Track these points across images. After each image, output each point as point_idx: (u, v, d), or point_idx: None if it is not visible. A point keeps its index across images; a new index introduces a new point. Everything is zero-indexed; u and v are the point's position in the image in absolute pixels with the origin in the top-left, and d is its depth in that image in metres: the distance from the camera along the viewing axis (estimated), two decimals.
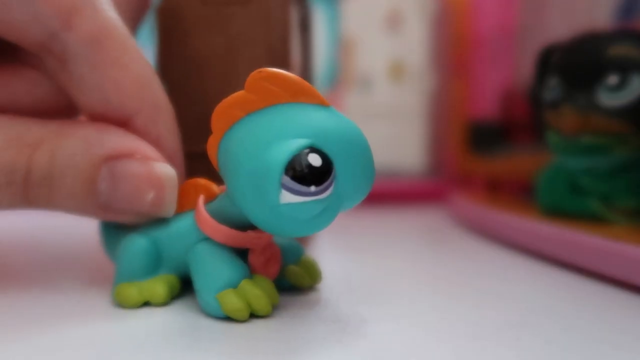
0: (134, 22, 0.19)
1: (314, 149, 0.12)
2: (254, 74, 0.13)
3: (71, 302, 0.15)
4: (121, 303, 0.15)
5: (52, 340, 0.12)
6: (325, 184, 0.12)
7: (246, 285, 0.14)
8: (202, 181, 0.16)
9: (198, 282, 0.14)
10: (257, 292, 0.14)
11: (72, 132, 0.15)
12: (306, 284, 0.16)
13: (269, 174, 0.12)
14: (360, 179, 0.13)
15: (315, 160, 0.12)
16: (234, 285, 0.14)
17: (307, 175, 0.12)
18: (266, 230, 0.13)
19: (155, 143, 0.16)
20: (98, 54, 0.15)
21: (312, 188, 0.12)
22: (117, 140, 0.15)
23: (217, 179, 0.15)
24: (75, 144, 0.15)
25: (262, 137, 0.12)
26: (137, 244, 0.15)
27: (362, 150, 0.13)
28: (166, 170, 0.16)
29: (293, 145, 0.12)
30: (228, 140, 0.13)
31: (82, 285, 0.17)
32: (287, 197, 0.12)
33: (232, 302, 0.13)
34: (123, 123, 0.16)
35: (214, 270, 0.14)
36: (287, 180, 0.12)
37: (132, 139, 0.16)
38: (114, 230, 0.17)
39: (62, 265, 0.20)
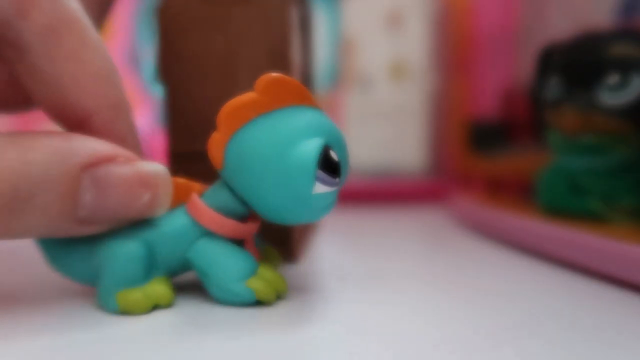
0: (100, 12, 0.18)
1: (328, 146, 0.14)
2: (265, 77, 0.14)
3: (73, 302, 0.15)
4: (128, 310, 0.14)
5: (52, 342, 0.12)
6: (342, 175, 0.14)
7: (263, 271, 0.15)
8: (182, 180, 0.16)
9: (216, 276, 0.15)
10: (275, 275, 0.15)
11: (34, 145, 0.13)
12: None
13: (305, 168, 0.13)
14: (348, 168, 0.15)
15: (334, 155, 0.14)
16: (255, 273, 0.15)
17: (333, 168, 0.14)
18: (288, 219, 0.14)
19: (117, 143, 0.15)
20: (55, 47, 0.14)
21: (337, 179, 0.14)
22: (91, 145, 0.14)
23: (218, 179, 0.15)
24: (45, 158, 0.13)
25: (287, 136, 0.14)
26: (131, 249, 0.15)
27: (345, 144, 0.15)
28: (157, 168, 0.15)
29: (318, 143, 0.14)
30: (241, 139, 0.14)
31: (84, 286, 0.17)
32: (319, 188, 0.14)
33: (262, 287, 0.15)
34: (81, 122, 0.15)
35: (233, 262, 0.15)
36: (320, 173, 0.14)
37: (104, 142, 0.14)
38: (59, 242, 0.16)
39: None
